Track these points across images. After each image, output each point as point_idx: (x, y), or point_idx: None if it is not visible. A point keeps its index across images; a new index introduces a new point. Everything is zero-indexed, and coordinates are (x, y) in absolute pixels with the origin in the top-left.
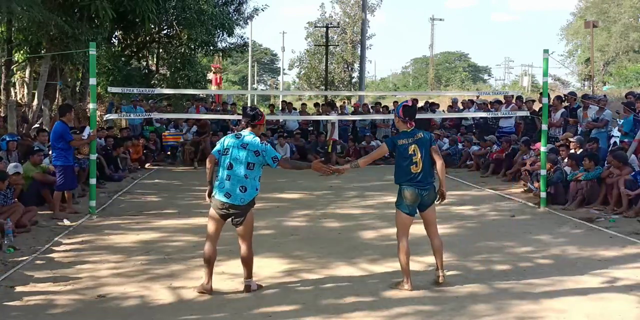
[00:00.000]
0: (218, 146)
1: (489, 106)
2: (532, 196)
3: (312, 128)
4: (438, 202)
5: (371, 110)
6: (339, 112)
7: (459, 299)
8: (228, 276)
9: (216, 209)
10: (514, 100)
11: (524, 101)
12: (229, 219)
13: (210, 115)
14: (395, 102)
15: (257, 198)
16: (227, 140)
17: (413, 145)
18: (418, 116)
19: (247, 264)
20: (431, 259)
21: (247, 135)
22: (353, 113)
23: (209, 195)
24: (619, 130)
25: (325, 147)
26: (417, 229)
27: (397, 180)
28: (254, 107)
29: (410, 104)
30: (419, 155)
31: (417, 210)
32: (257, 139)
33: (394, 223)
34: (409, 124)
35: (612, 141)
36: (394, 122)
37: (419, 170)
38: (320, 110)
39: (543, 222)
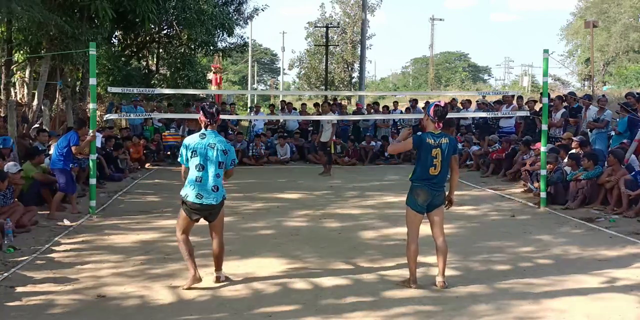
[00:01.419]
0: (184, 152)
1: (490, 106)
2: (532, 196)
3: (312, 128)
4: (446, 207)
5: (372, 111)
6: (340, 112)
7: (459, 299)
8: (228, 276)
9: (188, 212)
10: (514, 101)
11: (526, 101)
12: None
13: None
14: (395, 102)
15: (257, 198)
16: (191, 143)
17: (437, 149)
18: (419, 116)
19: (219, 257)
20: (431, 259)
21: (210, 134)
22: (353, 113)
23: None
24: (612, 130)
25: (328, 148)
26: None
27: (413, 177)
28: (211, 105)
29: (442, 104)
30: (440, 158)
31: (426, 211)
32: (223, 138)
33: (394, 223)
34: (437, 125)
35: (611, 141)
36: (420, 121)
37: (437, 173)
38: (320, 110)
39: (543, 222)
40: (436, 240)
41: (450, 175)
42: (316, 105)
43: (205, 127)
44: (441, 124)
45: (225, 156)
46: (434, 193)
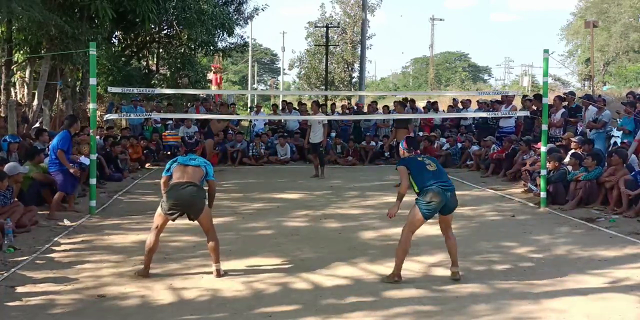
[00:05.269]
0: (168, 166)
1: (489, 106)
2: (532, 196)
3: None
4: None
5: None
6: (329, 113)
7: (459, 299)
8: (228, 276)
9: (165, 212)
10: (518, 100)
11: (526, 99)
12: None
13: (210, 116)
14: (394, 102)
15: (257, 198)
16: (176, 160)
17: (425, 159)
18: (420, 116)
19: (214, 250)
20: (430, 259)
21: (191, 156)
22: (354, 113)
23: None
24: (618, 130)
25: (321, 148)
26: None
27: (420, 185)
28: (191, 136)
29: (412, 135)
30: (430, 162)
31: (440, 213)
32: (203, 159)
33: (394, 223)
34: (414, 153)
35: (612, 141)
36: (399, 151)
37: (434, 169)
38: (310, 111)
39: (543, 222)
40: (447, 239)
41: None
42: (300, 104)
43: (186, 154)
44: (419, 151)
45: (205, 166)
46: (446, 193)
